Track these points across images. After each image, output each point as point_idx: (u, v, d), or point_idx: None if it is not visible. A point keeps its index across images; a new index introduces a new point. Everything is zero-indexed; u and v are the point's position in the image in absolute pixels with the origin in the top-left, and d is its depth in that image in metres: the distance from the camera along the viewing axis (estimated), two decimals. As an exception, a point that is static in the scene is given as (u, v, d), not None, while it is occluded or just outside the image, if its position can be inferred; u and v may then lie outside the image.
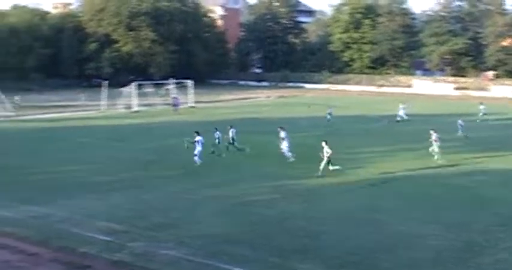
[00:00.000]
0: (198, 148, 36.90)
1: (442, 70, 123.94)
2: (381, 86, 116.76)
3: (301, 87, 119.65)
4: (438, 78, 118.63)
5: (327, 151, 33.29)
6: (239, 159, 38.68)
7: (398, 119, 61.75)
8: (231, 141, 41.74)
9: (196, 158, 36.55)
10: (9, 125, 57.76)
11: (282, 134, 39.29)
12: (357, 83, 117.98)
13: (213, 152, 39.95)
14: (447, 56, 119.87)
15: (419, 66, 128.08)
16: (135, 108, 71.26)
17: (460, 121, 50.00)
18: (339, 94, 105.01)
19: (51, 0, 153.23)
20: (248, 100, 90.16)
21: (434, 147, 39.13)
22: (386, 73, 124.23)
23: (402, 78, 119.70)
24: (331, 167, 33.44)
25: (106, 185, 31.06)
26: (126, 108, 71.03)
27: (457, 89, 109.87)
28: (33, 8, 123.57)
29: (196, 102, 78.15)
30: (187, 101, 76.69)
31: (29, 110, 69.40)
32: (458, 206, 27.44)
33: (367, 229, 23.49)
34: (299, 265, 19.57)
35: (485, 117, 61.66)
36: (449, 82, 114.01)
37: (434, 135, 39.46)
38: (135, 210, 26.15)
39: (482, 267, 19.60)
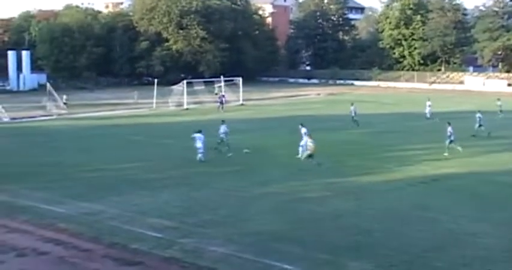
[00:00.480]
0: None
1: (494, 66, 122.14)
2: (432, 82, 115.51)
3: (351, 84, 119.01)
4: (491, 74, 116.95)
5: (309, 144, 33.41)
6: (289, 157, 38.58)
7: (428, 116, 60.33)
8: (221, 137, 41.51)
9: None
10: (61, 122, 58.62)
11: (303, 130, 39.01)
12: (408, 80, 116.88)
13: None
14: (500, 52, 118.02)
15: (471, 63, 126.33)
16: (186, 106, 71.67)
17: (479, 114, 49.02)
18: (389, 91, 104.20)
19: (103, 0, 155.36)
20: (298, 97, 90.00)
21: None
22: (438, 70, 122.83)
23: (454, 75, 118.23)
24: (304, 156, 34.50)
25: (156, 182, 31.32)
26: (176, 106, 71.51)
27: (511, 85, 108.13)
28: (85, 8, 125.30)
29: (246, 99, 78.30)
30: (237, 99, 76.90)
31: (81, 108, 70.30)
32: (508, 204, 27.04)
33: (418, 227, 23.29)
34: (350, 263, 19.49)
35: (502, 115, 60.06)
36: (502, 78, 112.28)
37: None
38: (185, 207, 26.33)
39: (536, 266, 19.32)
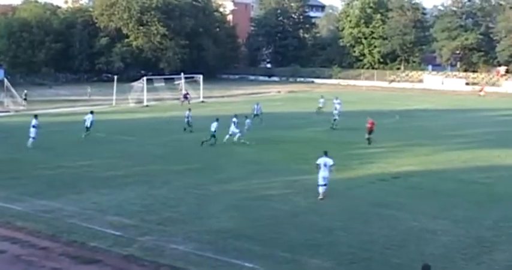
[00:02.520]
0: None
1: (453, 65, 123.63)
2: (392, 81, 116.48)
3: (311, 82, 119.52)
4: (449, 73, 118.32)
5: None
6: (251, 154, 38.60)
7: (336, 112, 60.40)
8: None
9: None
10: (19, 119, 57.71)
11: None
12: (368, 78, 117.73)
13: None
14: (458, 51, 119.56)
15: (430, 62, 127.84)
16: (146, 103, 71.23)
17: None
18: (349, 89, 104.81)
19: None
20: (258, 95, 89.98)
21: None
22: (397, 68, 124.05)
23: (413, 74, 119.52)
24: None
25: (116, 179, 31.00)
26: (136, 102, 71.01)
27: (468, 84, 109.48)
28: (44, 3, 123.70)
29: (207, 97, 78.13)
30: (198, 96, 76.63)
31: (39, 104, 69.37)
32: (470, 202, 27.30)
33: (378, 224, 23.40)
34: (310, 260, 19.49)
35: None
36: (460, 77, 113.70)
37: None
38: (145, 204, 26.09)
39: (494, 263, 19.48)
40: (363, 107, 65.61)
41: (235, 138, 42.80)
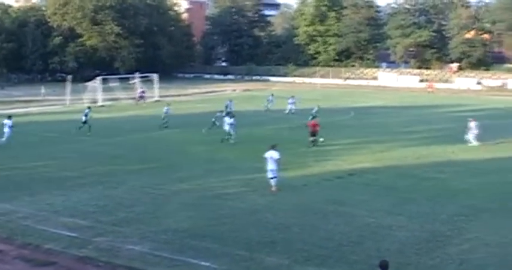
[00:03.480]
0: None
1: (406, 62, 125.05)
2: (347, 78, 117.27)
3: (267, 80, 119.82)
4: (403, 70, 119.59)
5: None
6: (208, 153, 38.54)
7: (287, 112, 61.49)
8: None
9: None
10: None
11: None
12: (323, 76, 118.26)
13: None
14: (412, 48, 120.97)
15: (384, 59, 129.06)
16: (100, 103, 70.63)
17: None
18: (304, 87, 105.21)
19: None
20: (214, 93, 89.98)
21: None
22: (352, 66, 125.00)
23: (368, 71, 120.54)
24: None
25: (71, 180, 30.66)
26: (91, 102, 70.23)
27: (422, 81, 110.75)
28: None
29: (162, 96, 77.69)
30: (153, 95, 76.24)
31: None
32: (424, 197, 27.57)
33: (334, 221, 23.50)
34: (267, 258, 19.49)
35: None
36: (414, 74, 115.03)
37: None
38: (100, 205, 25.82)
39: (447, 257, 19.70)
40: (318, 104, 65.77)
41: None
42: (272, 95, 66.10)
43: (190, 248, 20.32)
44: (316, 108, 52.67)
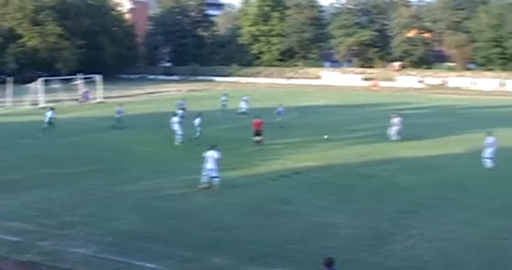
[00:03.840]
0: None
1: (349, 61, 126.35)
2: (290, 78, 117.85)
3: (211, 80, 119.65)
4: (346, 69, 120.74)
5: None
6: (152, 154, 38.31)
7: (242, 110, 61.73)
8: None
9: None
10: None
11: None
12: (267, 76, 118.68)
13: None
14: (355, 48, 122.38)
15: (327, 58, 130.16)
16: (42, 105, 69.58)
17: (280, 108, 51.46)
18: (248, 87, 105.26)
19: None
20: (158, 94, 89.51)
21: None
22: (296, 65, 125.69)
23: (311, 70, 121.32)
24: None
25: (14, 183, 30.12)
26: (32, 104, 69.26)
27: (365, 79, 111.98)
28: None
29: (106, 97, 76.99)
30: (96, 97, 75.49)
31: None
32: (368, 195, 27.89)
33: (280, 220, 23.60)
34: (212, 259, 19.48)
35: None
36: (357, 73, 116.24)
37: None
38: (44, 208, 25.45)
39: (391, 254, 19.99)
40: (263, 104, 65.92)
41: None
42: (225, 94, 66.11)
43: (136, 250, 20.19)
44: (280, 109, 52.43)
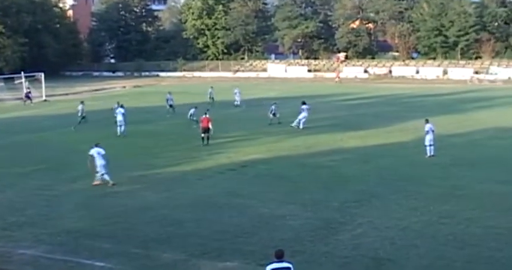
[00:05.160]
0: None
1: (295, 53, 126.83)
2: (236, 71, 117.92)
3: (157, 75, 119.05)
4: (292, 61, 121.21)
5: None
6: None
7: (235, 103, 62.27)
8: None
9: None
10: None
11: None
12: (212, 70, 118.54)
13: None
14: (299, 40, 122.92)
15: (273, 50, 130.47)
16: (-15, 104, 68.51)
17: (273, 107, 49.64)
18: (194, 81, 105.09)
19: None
20: (103, 91, 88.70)
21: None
22: (241, 58, 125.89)
23: (257, 63, 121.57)
24: None
25: (-44, 185, 29.60)
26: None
27: (310, 71, 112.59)
28: None
29: (49, 95, 76.03)
30: (40, 95, 74.44)
31: None
32: (317, 185, 28.09)
33: (229, 214, 23.64)
34: (163, 254, 19.40)
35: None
36: (302, 65, 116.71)
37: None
38: (-12, 210, 25.08)
39: (341, 243, 20.15)
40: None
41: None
42: (211, 87, 66.50)
43: (85, 249, 20.01)
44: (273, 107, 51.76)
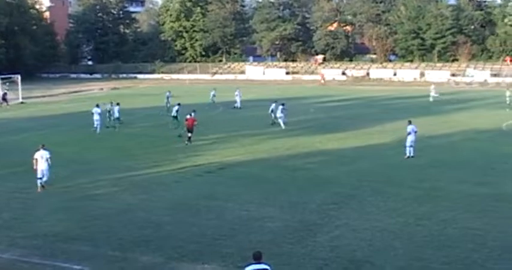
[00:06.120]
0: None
1: (273, 56, 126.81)
2: (215, 73, 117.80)
3: (134, 78, 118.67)
4: (270, 63, 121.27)
5: None
6: (75, 154, 37.72)
7: (236, 105, 62.90)
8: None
9: None
10: None
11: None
12: (191, 72, 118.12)
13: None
14: (277, 42, 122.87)
15: (251, 53, 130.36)
16: (-39, 107, 67.85)
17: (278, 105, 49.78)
18: (172, 83, 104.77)
19: None
20: (81, 93, 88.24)
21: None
22: (219, 60, 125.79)
23: (235, 65, 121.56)
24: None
25: None
26: None
27: (289, 73, 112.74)
28: None
29: (26, 97, 75.45)
30: (17, 97, 73.89)
31: None
32: (294, 188, 28.15)
33: (208, 216, 23.61)
34: (141, 257, 19.34)
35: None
36: (280, 67, 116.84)
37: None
38: (-36, 213, 24.81)
39: (319, 245, 20.20)
40: (189, 100, 65.83)
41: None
42: (214, 89, 67.39)
43: (62, 252, 19.87)
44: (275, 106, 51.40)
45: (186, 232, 21.71)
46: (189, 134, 40.69)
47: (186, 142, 40.35)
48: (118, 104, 50.77)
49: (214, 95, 66.63)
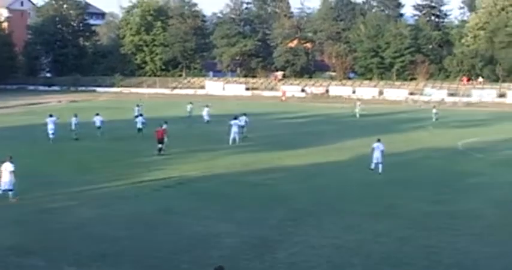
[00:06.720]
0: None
1: (233, 71, 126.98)
2: (174, 88, 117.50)
3: (93, 91, 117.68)
4: (230, 79, 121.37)
5: None
6: (34, 167, 37.16)
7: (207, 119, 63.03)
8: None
9: None
10: None
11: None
12: (150, 86, 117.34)
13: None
14: (238, 57, 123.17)
15: (211, 68, 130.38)
16: None
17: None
18: (132, 97, 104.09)
19: None
20: (38, 105, 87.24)
21: None
22: (179, 75, 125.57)
23: (195, 80, 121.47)
24: None
25: None
26: None
27: (248, 89, 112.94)
28: None
29: (-18, 109, 74.46)
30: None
31: None
32: (253, 204, 28.14)
33: (164, 231, 23.48)
34: (97, 272, 19.16)
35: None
36: (240, 83, 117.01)
37: None
38: None
39: (277, 261, 20.22)
40: (150, 114, 65.67)
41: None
42: (191, 103, 69.44)
43: (16, 266, 19.62)
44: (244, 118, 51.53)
45: (143, 247, 21.56)
46: (159, 145, 41.37)
47: (156, 153, 41.03)
48: (98, 114, 53.37)
49: (192, 109, 66.80)
